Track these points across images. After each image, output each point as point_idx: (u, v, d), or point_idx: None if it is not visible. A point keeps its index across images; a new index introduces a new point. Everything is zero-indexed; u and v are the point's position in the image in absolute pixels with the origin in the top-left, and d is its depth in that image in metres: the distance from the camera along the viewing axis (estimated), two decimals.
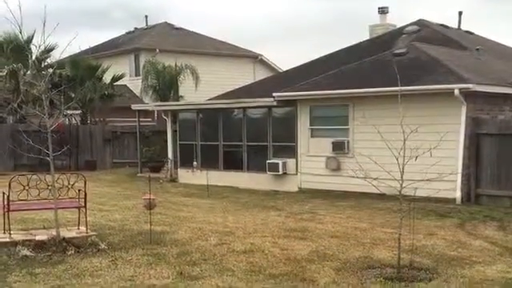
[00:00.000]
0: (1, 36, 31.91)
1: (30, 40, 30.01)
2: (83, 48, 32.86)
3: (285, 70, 33.52)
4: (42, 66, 31.94)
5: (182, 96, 35.33)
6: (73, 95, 30.19)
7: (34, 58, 31.06)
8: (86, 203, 11.91)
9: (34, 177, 11.67)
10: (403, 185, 9.55)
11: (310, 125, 21.14)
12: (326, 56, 28.02)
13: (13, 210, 11.58)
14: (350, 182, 18.52)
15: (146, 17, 48.67)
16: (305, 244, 11.92)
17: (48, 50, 30.43)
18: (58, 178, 11.72)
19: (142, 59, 39.15)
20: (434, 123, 16.53)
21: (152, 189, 12.97)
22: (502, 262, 10.49)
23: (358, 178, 12.73)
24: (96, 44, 45.04)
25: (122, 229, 13.42)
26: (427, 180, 11.04)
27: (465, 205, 17.22)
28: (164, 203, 17.29)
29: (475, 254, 11.13)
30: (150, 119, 33.36)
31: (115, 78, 34.76)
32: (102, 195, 19.47)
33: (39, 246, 10.94)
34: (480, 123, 17.56)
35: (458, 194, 17.54)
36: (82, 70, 33.18)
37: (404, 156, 9.48)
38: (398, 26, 28.49)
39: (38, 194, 11.69)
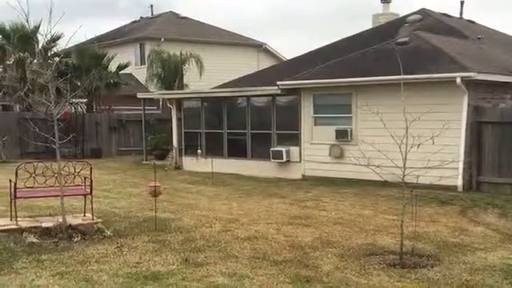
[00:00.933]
0: (8, 25, 32.04)
1: (36, 29, 30.10)
2: (89, 37, 33.00)
3: (289, 58, 33.54)
4: (49, 54, 32.03)
5: (186, 84, 35.42)
6: (79, 84, 30.33)
7: (40, 46, 31.13)
8: (91, 190, 12.02)
9: (41, 164, 11.77)
10: (406, 172, 9.64)
11: (314, 113, 21.20)
12: (329, 45, 28.00)
13: (19, 197, 11.70)
14: (353, 170, 18.56)
15: (152, 6, 48.86)
16: (308, 231, 12.03)
17: (54, 39, 30.55)
18: (64, 166, 11.82)
19: (147, 48, 39.27)
20: (436, 111, 16.56)
21: (157, 176, 13.09)
22: (503, 249, 10.56)
23: (361, 165, 12.85)
24: (102, 33, 45.23)
25: (128, 216, 13.56)
26: (429, 168, 11.15)
27: (466, 192, 17.26)
28: (169, 190, 17.39)
29: (477, 240, 11.20)
30: (155, 107, 33.45)
31: (121, 67, 34.90)
32: (107, 182, 19.60)
33: (45, 232, 11.06)
34: (481, 111, 17.60)
35: (459, 182, 17.59)
36: (88, 59, 33.32)
37: (406, 144, 9.57)
38: (401, 15, 28.48)
39: (45, 182, 11.78)
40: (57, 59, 26.21)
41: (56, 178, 11.52)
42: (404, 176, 9.67)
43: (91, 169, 12.14)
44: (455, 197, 16.41)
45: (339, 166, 20.30)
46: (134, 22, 48.23)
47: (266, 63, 40.25)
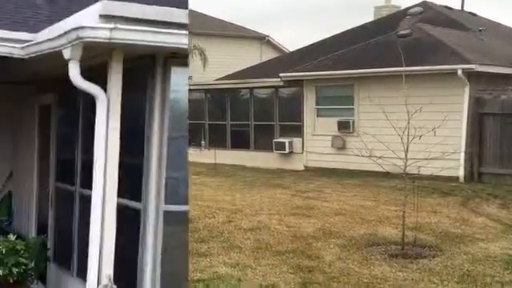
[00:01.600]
0: None
1: None
2: None
3: (291, 51, 33.57)
4: None
5: (190, 76, 35.41)
6: None
7: None
8: None
9: None
10: (407, 163, 9.70)
11: (316, 104, 21.26)
12: (331, 37, 28.02)
13: None
14: (355, 161, 18.60)
15: None
16: (311, 221, 12.07)
17: None
18: None
19: None
20: (438, 103, 16.61)
21: None
22: (504, 240, 10.58)
23: (363, 156, 12.91)
24: None
25: None
26: (431, 159, 11.23)
27: (468, 183, 17.31)
28: None
29: (478, 231, 11.22)
30: None
31: None
32: None
33: None
34: (483, 103, 17.65)
35: (461, 173, 17.65)
36: None
37: (408, 135, 9.63)
38: (403, 8, 28.51)
39: None
40: None
41: None
42: (406, 167, 9.73)
43: None
44: (457, 188, 16.47)
45: (341, 157, 20.36)
46: None
47: (268, 55, 40.13)
